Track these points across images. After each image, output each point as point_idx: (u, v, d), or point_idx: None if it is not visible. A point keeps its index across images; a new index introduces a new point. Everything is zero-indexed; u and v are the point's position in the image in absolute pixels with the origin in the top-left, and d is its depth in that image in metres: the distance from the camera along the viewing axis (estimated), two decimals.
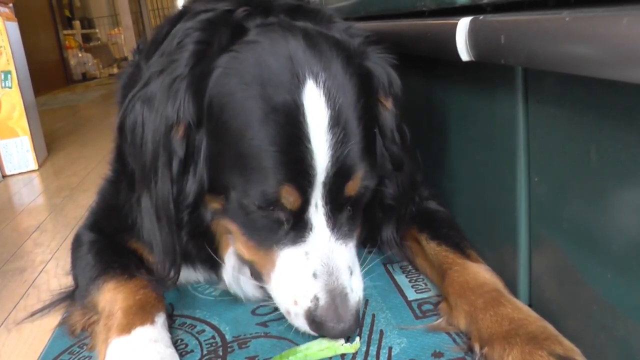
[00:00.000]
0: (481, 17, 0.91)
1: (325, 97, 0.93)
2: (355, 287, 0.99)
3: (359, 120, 0.97)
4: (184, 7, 1.24)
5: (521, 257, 1.04)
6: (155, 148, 1.00)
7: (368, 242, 1.27)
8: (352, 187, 0.98)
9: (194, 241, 1.11)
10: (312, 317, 0.96)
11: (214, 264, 1.17)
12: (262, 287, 1.10)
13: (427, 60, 1.28)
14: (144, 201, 1.05)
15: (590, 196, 0.82)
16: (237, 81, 0.96)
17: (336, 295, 0.95)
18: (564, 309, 0.93)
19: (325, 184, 0.95)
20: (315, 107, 0.93)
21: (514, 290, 1.05)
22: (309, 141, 0.92)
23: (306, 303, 0.97)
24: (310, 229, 0.98)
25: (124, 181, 1.17)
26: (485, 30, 0.89)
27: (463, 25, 0.94)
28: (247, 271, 1.12)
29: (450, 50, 0.97)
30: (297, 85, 0.93)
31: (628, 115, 0.72)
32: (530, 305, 1.02)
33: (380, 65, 1.09)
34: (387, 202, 1.17)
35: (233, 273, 1.14)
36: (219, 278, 1.20)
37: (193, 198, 1.02)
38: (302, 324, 0.99)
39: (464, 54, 0.95)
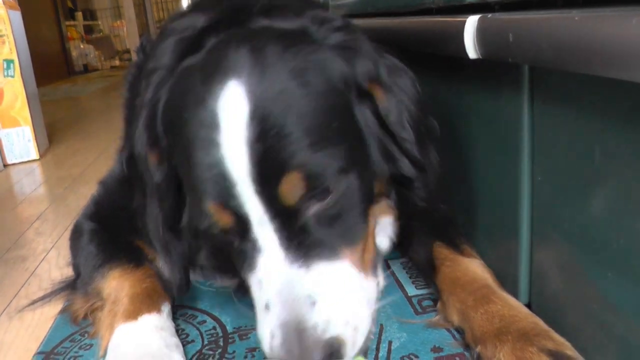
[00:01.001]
0: (489, 15, 0.92)
1: (247, 92, 0.80)
2: (324, 321, 0.79)
3: (299, 111, 0.82)
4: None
5: (522, 256, 1.04)
6: (142, 174, 1.00)
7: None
8: (288, 192, 0.80)
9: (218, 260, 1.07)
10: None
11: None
12: None
13: (430, 58, 1.29)
14: (149, 222, 1.04)
15: (593, 196, 0.83)
16: (175, 103, 0.92)
17: (290, 330, 0.77)
18: (564, 307, 0.93)
19: (260, 193, 0.79)
20: (231, 105, 0.80)
21: (514, 288, 1.05)
22: (221, 146, 0.79)
23: (267, 340, 0.81)
24: (259, 251, 0.83)
25: (137, 188, 1.11)
26: (493, 29, 0.89)
27: (471, 23, 0.94)
28: None
29: (457, 48, 0.98)
30: (221, 89, 0.82)
31: (633, 115, 0.72)
32: (529, 303, 1.02)
33: (345, 52, 0.92)
34: (417, 206, 1.04)
35: None
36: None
37: (185, 220, 0.98)
38: None
39: (472, 52, 0.95)
